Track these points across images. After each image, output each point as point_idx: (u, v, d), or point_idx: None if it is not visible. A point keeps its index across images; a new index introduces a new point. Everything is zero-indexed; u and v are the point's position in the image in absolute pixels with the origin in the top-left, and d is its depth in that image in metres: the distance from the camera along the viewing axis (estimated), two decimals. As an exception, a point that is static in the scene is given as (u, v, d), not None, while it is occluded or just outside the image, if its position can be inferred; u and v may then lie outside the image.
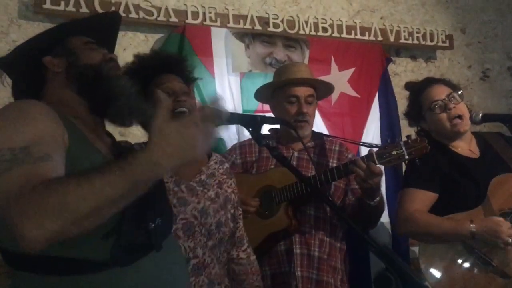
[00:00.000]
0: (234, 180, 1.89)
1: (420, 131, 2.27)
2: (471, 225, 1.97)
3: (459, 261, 2.02)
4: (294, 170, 1.48)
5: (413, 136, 1.93)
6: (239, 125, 2.58)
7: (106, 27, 1.49)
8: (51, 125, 1.13)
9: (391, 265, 1.17)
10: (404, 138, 1.94)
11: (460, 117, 2.13)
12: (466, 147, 2.20)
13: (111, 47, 1.50)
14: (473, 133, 2.29)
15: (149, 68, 1.74)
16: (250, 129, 1.49)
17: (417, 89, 2.26)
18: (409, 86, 2.39)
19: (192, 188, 1.71)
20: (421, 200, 2.11)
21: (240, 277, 1.84)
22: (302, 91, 2.14)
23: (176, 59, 1.85)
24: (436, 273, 2.03)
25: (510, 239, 1.93)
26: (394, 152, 1.90)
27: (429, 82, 2.25)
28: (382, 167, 1.89)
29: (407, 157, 1.89)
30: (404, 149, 1.89)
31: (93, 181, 0.96)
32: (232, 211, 1.79)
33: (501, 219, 1.96)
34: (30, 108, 1.14)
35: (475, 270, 2.01)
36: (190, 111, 1.71)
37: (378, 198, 1.95)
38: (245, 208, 1.98)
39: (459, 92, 2.19)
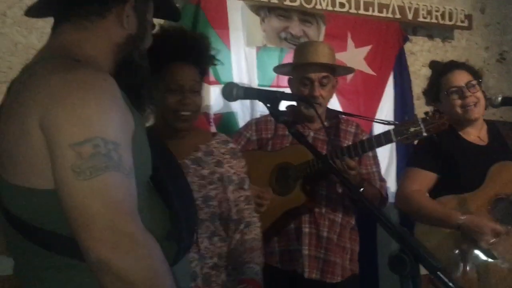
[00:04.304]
0: (242, 162, 1.82)
1: (436, 111, 2.27)
2: (460, 218, 2.06)
3: (451, 237, 2.11)
4: (311, 147, 1.47)
5: (431, 113, 1.93)
6: (253, 100, 2.59)
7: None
8: (128, 119, 1.03)
9: (406, 246, 1.16)
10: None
11: (475, 104, 2.18)
12: (475, 133, 2.25)
13: None
14: (486, 121, 2.32)
15: (164, 53, 1.65)
16: (268, 105, 1.47)
17: (439, 71, 2.30)
18: (433, 65, 2.44)
19: (185, 166, 1.67)
20: (422, 180, 2.19)
21: (235, 261, 1.73)
22: (316, 74, 2.11)
23: (196, 46, 1.73)
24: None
25: (490, 242, 2.02)
26: (411, 129, 1.90)
27: (452, 66, 2.28)
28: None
29: (425, 133, 1.89)
30: (422, 125, 1.89)
31: None
32: (237, 193, 1.75)
33: (488, 222, 2.03)
34: (112, 89, 1.01)
35: (465, 248, 2.09)
36: (194, 113, 1.70)
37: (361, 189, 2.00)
38: (259, 201, 1.97)
39: (479, 81, 2.22)
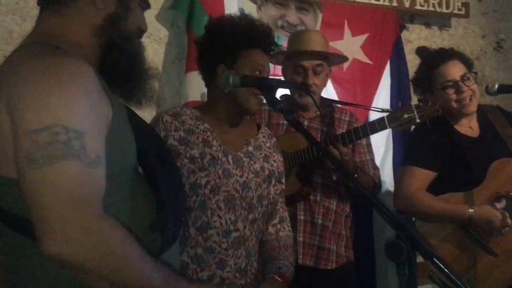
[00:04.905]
0: (281, 154, 1.85)
1: (424, 99, 2.24)
2: (470, 210, 2.02)
3: (452, 237, 2.09)
4: (307, 134, 1.47)
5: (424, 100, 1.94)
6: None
7: None
8: (101, 106, 0.99)
9: (403, 233, 1.16)
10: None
11: (470, 98, 2.12)
12: (466, 124, 2.20)
13: None
14: None
15: (241, 39, 1.66)
16: (265, 93, 1.47)
17: (431, 62, 2.21)
18: (422, 53, 2.35)
19: (239, 159, 1.69)
20: (421, 178, 2.12)
21: (269, 253, 1.75)
22: (310, 62, 2.11)
23: (268, 34, 1.74)
24: None
25: (503, 230, 2.02)
26: (405, 116, 1.92)
27: (445, 56, 2.18)
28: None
29: (418, 120, 1.91)
30: (415, 112, 1.91)
31: None
32: (275, 186, 1.77)
33: (497, 212, 2.02)
34: (84, 76, 0.97)
35: (466, 247, 2.07)
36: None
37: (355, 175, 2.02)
38: None
39: (474, 72, 2.16)
